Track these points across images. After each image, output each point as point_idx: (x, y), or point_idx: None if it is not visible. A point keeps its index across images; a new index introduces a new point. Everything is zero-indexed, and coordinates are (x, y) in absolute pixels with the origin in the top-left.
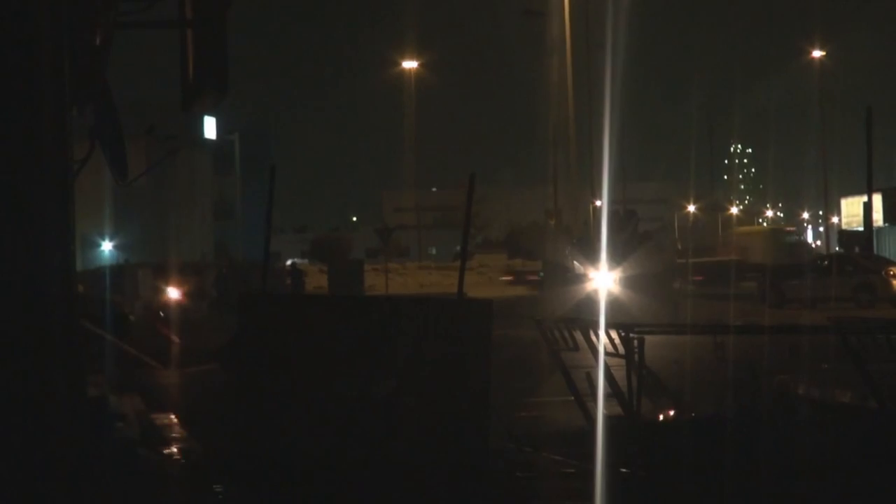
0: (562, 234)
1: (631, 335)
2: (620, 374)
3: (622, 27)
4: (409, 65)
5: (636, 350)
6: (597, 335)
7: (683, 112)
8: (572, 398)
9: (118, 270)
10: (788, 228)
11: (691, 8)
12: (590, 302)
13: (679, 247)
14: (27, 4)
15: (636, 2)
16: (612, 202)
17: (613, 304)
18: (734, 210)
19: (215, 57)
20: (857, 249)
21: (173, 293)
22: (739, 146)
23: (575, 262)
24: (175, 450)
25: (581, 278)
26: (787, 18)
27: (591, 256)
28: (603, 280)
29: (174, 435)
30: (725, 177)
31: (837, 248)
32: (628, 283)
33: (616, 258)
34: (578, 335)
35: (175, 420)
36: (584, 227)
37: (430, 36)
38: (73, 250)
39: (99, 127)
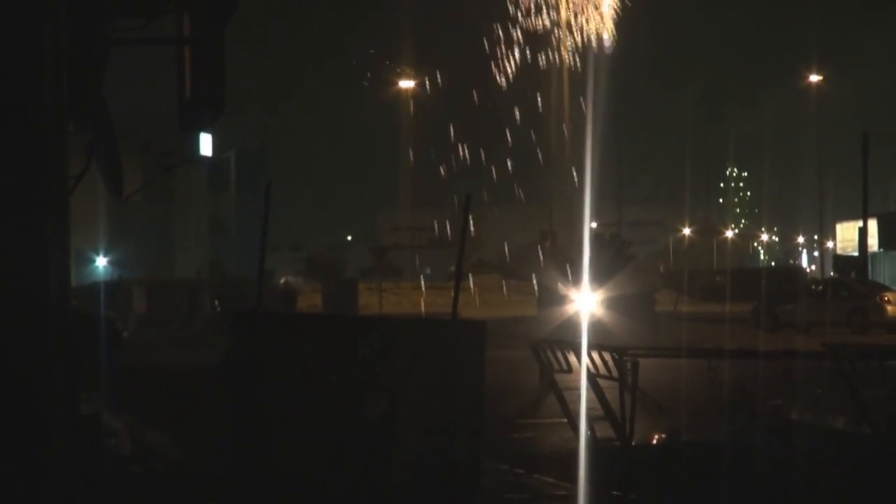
0: (556, 255)
1: (625, 358)
2: (613, 397)
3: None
4: (407, 84)
5: (629, 373)
6: (590, 357)
7: (679, 135)
8: (566, 420)
9: (112, 286)
10: None
11: (690, 29)
12: (572, 323)
13: (663, 269)
14: (25, 19)
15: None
16: (604, 224)
17: (595, 325)
18: (729, 233)
19: (213, 75)
20: (853, 275)
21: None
22: (735, 169)
23: (559, 284)
24: (167, 467)
25: (565, 299)
26: (784, 42)
27: (574, 278)
28: (585, 302)
29: (167, 452)
30: (721, 200)
31: (832, 273)
32: (610, 304)
33: (599, 280)
34: (572, 357)
35: (168, 437)
36: (565, 249)
37: (430, 55)
38: (69, 266)
39: (95, 143)
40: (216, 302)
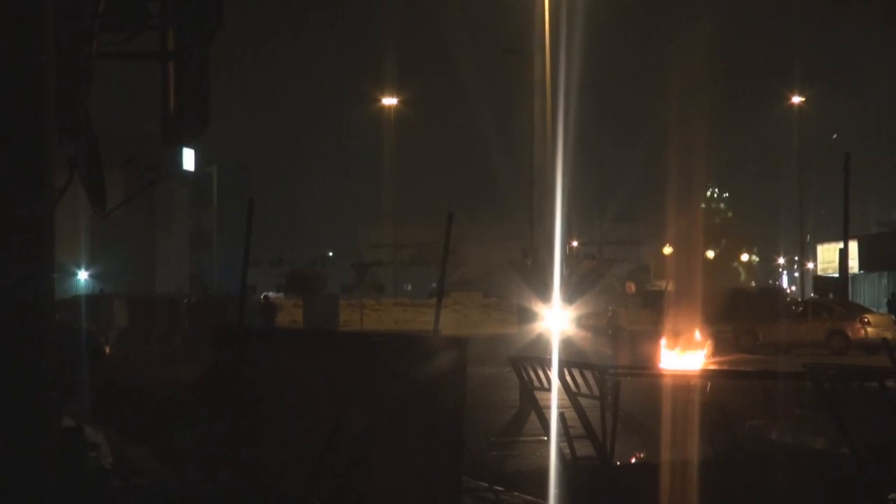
0: (535, 273)
1: (606, 377)
2: (594, 415)
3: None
4: (389, 101)
5: (611, 391)
6: (571, 375)
7: (661, 154)
8: (546, 437)
9: (93, 300)
10: None
11: (671, 51)
12: (542, 340)
13: (634, 289)
14: (10, 32)
15: (612, 42)
16: (584, 243)
17: (563, 342)
18: (710, 253)
19: (197, 90)
20: (830, 296)
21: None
22: (716, 190)
23: (536, 301)
24: (147, 481)
25: (535, 316)
26: (766, 64)
27: (544, 296)
28: (555, 319)
29: (147, 466)
30: (703, 220)
31: (812, 294)
32: (578, 321)
33: (568, 298)
34: (553, 374)
35: (149, 451)
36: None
37: (411, 73)
38: (53, 280)
39: (78, 156)
40: (185, 317)
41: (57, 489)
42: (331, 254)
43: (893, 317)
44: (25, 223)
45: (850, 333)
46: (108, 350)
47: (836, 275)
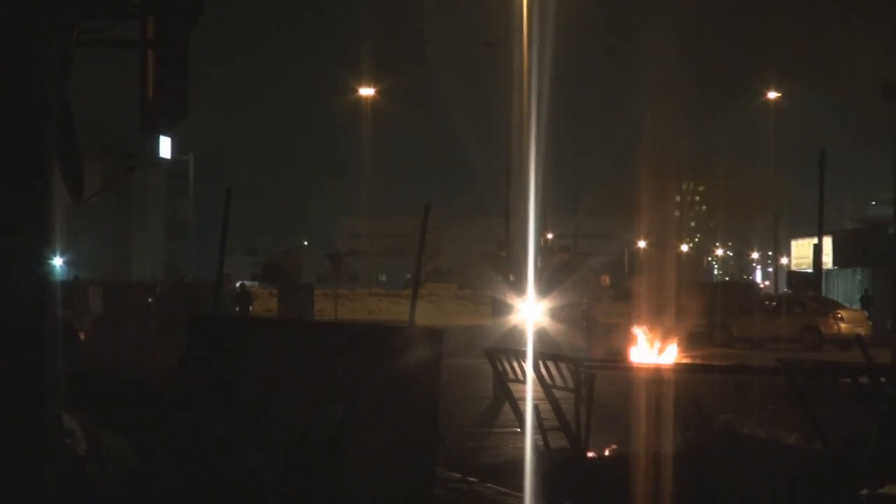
0: (510, 265)
1: (581, 370)
2: (568, 407)
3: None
4: (367, 92)
5: (585, 384)
6: (545, 367)
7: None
8: (520, 429)
9: (68, 287)
10: None
11: (647, 46)
12: (517, 332)
13: (609, 281)
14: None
15: (590, 36)
16: (559, 236)
17: (538, 334)
18: (684, 247)
19: (176, 78)
20: (811, 293)
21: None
22: (691, 183)
23: (510, 293)
24: (122, 469)
25: (510, 308)
26: (743, 58)
27: (518, 288)
28: (530, 311)
29: (122, 454)
30: (677, 213)
31: (786, 289)
32: (552, 314)
33: (543, 290)
34: (528, 366)
35: (123, 439)
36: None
37: (391, 65)
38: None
39: (57, 144)
40: (159, 305)
41: (28, 476)
42: (306, 243)
43: (867, 313)
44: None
45: (823, 329)
46: (82, 337)
47: (810, 270)
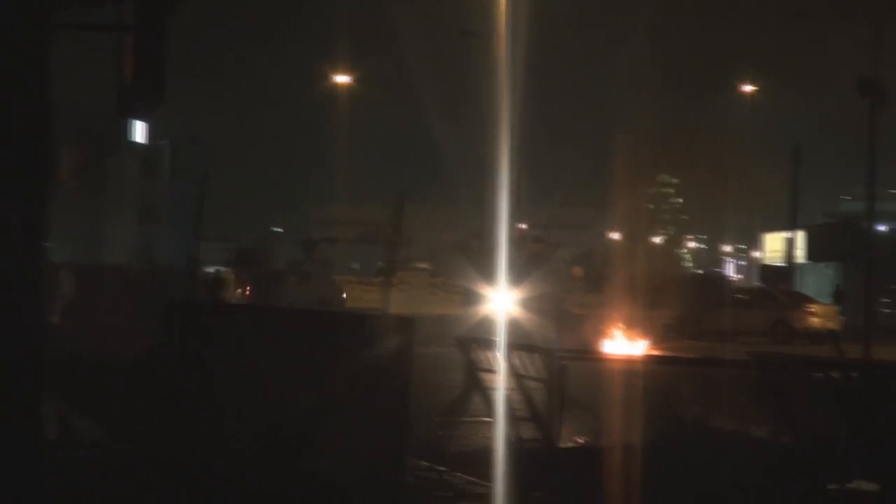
0: (482, 254)
1: (553, 361)
2: (539, 398)
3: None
4: (343, 79)
5: (557, 375)
6: (518, 357)
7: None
8: (490, 419)
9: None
10: None
11: (625, 37)
12: (489, 321)
13: (583, 272)
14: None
15: (568, 27)
16: (532, 226)
17: (509, 324)
18: (657, 239)
19: (153, 63)
20: (783, 287)
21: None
22: (666, 176)
23: (482, 282)
24: (92, 453)
25: (482, 298)
26: (721, 53)
27: (489, 277)
28: (501, 301)
29: (92, 438)
30: (651, 206)
31: (758, 283)
32: (524, 303)
33: (515, 280)
34: (499, 356)
35: (94, 424)
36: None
37: (367, 52)
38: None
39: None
40: (132, 290)
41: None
42: (280, 230)
43: (838, 308)
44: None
45: (794, 323)
46: (53, 320)
47: (783, 264)
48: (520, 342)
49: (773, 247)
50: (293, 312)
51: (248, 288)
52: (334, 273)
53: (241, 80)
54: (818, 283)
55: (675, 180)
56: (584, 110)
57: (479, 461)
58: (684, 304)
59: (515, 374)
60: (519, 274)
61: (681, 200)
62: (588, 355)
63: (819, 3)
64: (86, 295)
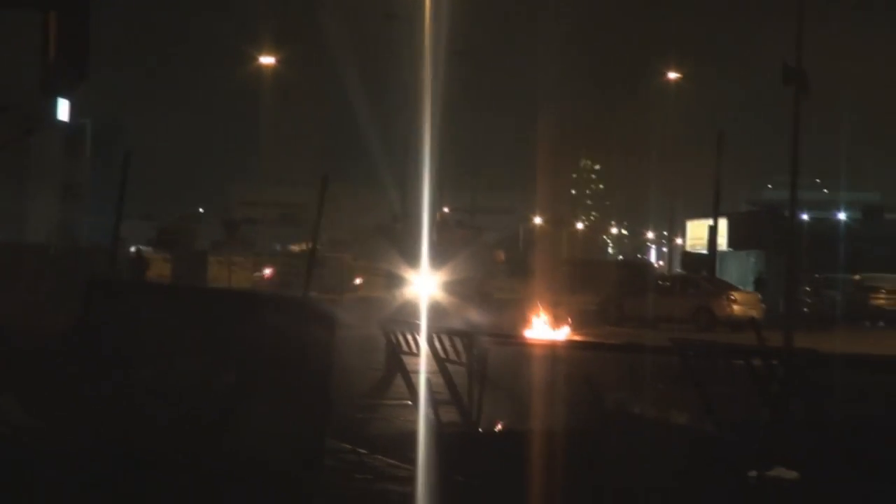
0: (405, 238)
1: (474, 345)
2: (461, 382)
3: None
4: (267, 61)
5: (478, 359)
6: (440, 341)
7: (534, 123)
8: (411, 402)
9: None
10: None
11: (550, 22)
12: (411, 305)
13: (505, 258)
14: None
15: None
16: (455, 209)
17: (432, 308)
18: (579, 225)
19: (77, 40)
20: (705, 274)
21: None
22: (588, 161)
23: (404, 266)
24: (10, 431)
25: (403, 281)
26: (647, 39)
27: (413, 261)
28: (424, 284)
29: (11, 416)
30: (573, 191)
31: (680, 270)
32: (447, 287)
33: (440, 264)
34: (421, 339)
35: (13, 401)
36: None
37: (292, 34)
38: None
39: None
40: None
41: None
42: (202, 210)
43: (760, 296)
44: None
45: (716, 310)
46: None
47: (705, 251)
48: (442, 326)
49: (696, 234)
50: (214, 292)
51: (169, 267)
52: (256, 253)
53: (165, 60)
54: (740, 271)
55: (597, 166)
56: (509, 95)
57: (401, 444)
58: (606, 290)
59: (437, 358)
60: (441, 257)
61: (602, 186)
62: (510, 340)
63: None
64: (6, 273)
